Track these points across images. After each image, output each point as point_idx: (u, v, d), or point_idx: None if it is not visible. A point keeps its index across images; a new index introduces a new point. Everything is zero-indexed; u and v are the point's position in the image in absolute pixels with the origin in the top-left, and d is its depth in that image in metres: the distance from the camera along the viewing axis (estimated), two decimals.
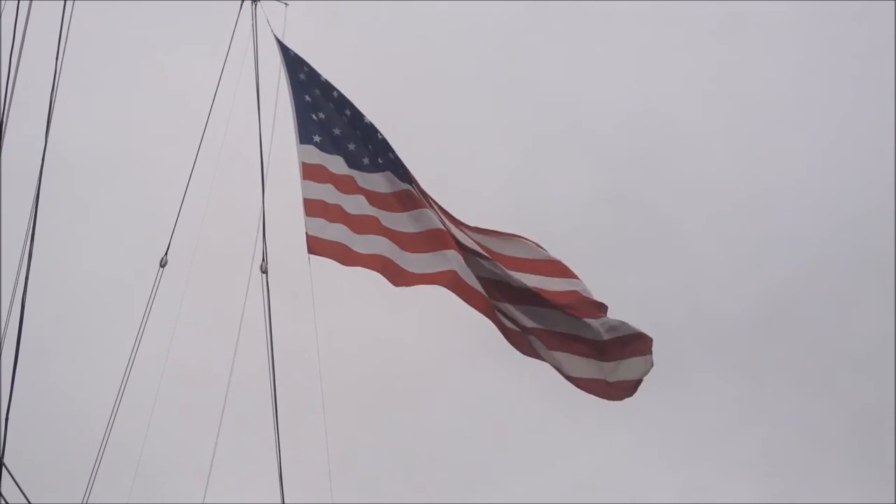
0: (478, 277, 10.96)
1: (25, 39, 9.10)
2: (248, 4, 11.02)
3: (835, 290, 22.17)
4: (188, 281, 11.22)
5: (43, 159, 9.23)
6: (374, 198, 11.07)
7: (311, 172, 10.74)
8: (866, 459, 21.21)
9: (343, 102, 11.24)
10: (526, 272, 11.02)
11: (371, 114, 11.26)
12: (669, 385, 17.40)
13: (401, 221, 11.04)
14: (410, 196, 11.11)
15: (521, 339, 11.14)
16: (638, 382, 11.01)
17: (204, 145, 10.89)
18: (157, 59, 20.06)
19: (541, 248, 11.28)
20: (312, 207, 10.56)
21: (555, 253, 11.29)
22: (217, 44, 11.13)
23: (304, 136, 10.89)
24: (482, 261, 11.00)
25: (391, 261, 10.82)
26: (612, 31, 22.97)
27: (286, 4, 11.09)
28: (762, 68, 23.06)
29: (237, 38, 10.94)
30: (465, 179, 20.28)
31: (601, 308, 11.07)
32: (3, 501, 8.45)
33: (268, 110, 10.83)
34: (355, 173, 11.09)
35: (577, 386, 11.08)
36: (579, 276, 11.20)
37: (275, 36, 11.09)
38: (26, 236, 9.00)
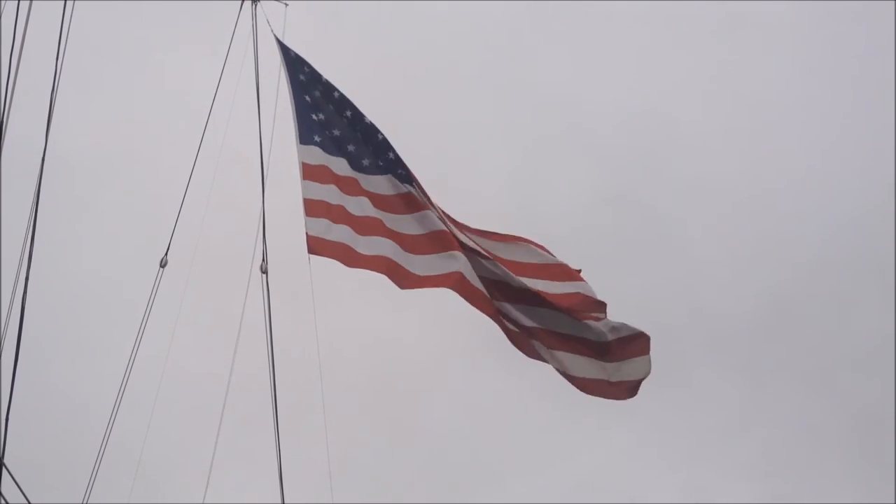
0: (479, 277, 10.95)
1: (25, 39, 9.10)
2: (248, 4, 11.03)
3: (835, 290, 22.17)
4: (188, 281, 11.23)
5: (43, 159, 9.24)
6: (377, 200, 11.05)
7: (311, 173, 10.73)
8: (866, 459, 21.22)
9: (344, 103, 11.23)
10: (529, 277, 11.00)
11: (371, 114, 11.26)
12: (669, 385, 17.41)
13: (405, 223, 11.03)
14: (412, 198, 11.11)
15: (524, 341, 11.12)
16: (639, 382, 11.01)
17: (204, 145, 10.89)
18: (157, 59, 20.07)
19: (543, 249, 11.27)
20: (313, 208, 10.54)
21: (555, 253, 11.28)
22: (217, 44, 11.15)
23: (305, 137, 10.88)
24: (483, 260, 10.99)
25: (396, 263, 10.80)
26: (612, 31, 22.98)
27: (286, 4, 11.09)
28: (762, 68, 23.06)
29: (237, 38, 10.96)
30: (465, 179, 20.30)
31: (602, 308, 11.05)
32: (3, 501, 8.44)
33: (268, 111, 10.84)
34: (358, 175, 11.09)
35: (578, 387, 11.07)
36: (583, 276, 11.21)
37: (275, 36, 11.08)
38: (26, 236, 9.00)
